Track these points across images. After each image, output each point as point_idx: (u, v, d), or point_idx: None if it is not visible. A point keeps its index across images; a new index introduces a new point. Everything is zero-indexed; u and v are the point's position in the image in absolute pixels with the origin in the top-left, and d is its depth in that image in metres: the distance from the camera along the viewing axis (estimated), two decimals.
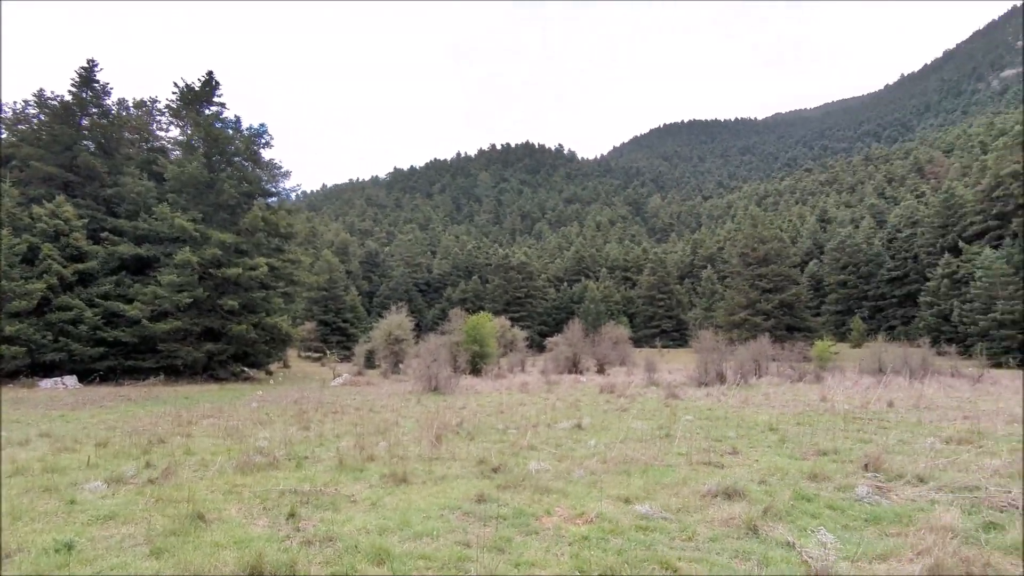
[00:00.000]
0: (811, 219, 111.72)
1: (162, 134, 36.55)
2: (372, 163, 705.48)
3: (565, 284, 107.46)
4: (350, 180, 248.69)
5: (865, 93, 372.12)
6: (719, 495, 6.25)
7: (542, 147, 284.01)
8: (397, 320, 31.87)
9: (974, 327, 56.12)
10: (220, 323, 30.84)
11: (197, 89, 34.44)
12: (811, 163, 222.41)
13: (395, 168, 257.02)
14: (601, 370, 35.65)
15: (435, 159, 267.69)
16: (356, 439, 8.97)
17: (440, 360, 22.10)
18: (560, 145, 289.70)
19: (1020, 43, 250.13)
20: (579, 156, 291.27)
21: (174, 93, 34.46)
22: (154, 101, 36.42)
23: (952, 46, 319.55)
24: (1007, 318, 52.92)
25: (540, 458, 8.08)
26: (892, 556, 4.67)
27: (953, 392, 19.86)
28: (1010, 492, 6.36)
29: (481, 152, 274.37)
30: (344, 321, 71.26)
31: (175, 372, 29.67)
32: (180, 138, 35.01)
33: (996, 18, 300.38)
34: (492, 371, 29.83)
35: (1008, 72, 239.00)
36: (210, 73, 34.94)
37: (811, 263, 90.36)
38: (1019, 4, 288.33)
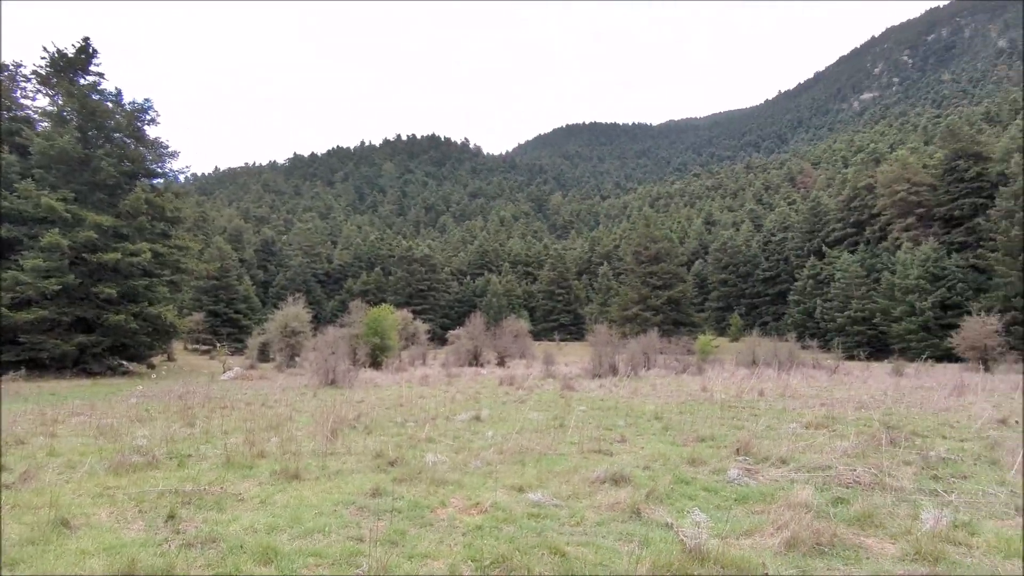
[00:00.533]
0: (698, 221, 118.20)
1: (28, 103, 32.87)
2: (270, 147, 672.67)
3: (468, 278, 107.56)
4: (246, 164, 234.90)
5: (748, 106, 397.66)
6: (607, 481, 6.53)
7: (448, 140, 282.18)
8: (294, 311, 30.65)
9: (833, 323, 61.60)
10: (95, 313, 28.35)
11: (71, 56, 31.33)
12: (699, 169, 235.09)
13: (295, 154, 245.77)
14: (502, 363, 36.07)
15: (338, 146, 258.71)
16: (246, 435, 8.57)
17: (339, 353, 21.54)
18: (466, 139, 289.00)
19: (877, 68, 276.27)
20: (485, 151, 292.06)
21: (43, 59, 31.17)
22: (18, 65, 32.70)
23: (822, 68, 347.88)
24: (859, 315, 58.47)
25: (438, 450, 8.09)
26: (756, 531, 5.07)
27: (814, 382, 21.73)
28: (855, 470, 7.07)
29: (386, 142, 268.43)
30: (236, 312, 67.64)
31: (39, 366, 26.95)
32: (49, 108, 31.70)
33: (858, 46, 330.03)
34: (393, 364, 29.42)
35: (866, 95, 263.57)
36: (86, 39, 31.88)
37: (697, 262, 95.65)
38: (876, 35, 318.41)
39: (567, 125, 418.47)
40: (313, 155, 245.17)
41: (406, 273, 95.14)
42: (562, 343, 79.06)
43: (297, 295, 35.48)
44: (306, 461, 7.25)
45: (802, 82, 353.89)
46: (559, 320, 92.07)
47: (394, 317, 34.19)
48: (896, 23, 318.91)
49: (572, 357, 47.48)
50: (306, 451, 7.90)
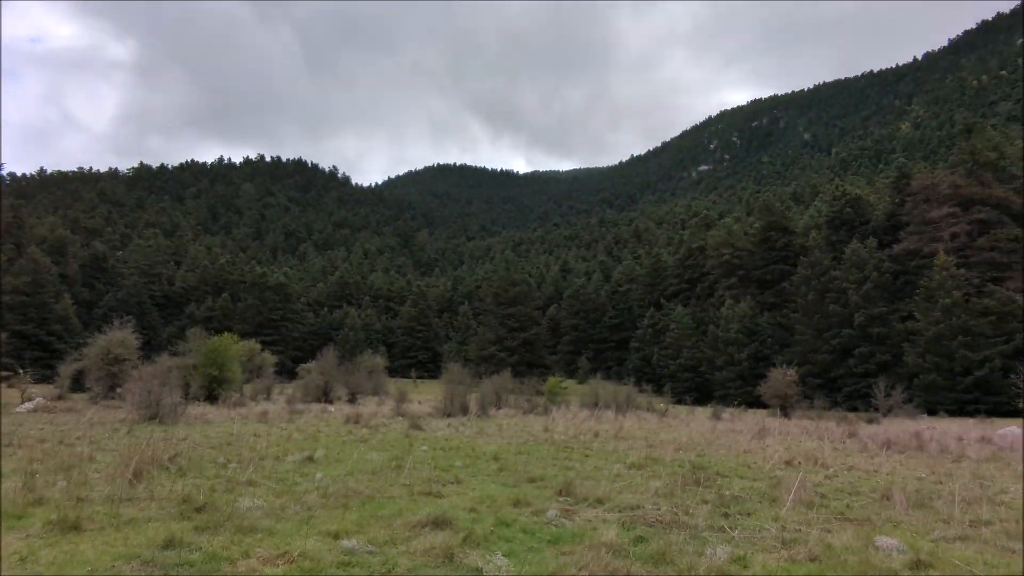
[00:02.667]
0: (555, 268, 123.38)
1: None
2: (114, 153, 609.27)
3: (326, 309, 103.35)
4: (80, 169, 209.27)
5: (605, 166, 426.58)
6: (428, 525, 6.43)
7: (316, 167, 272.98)
8: (120, 336, 27.49)
9: (666, 370, 66.37)
10: None
11: None
12: (559, 219, 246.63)
13: (141, 163, 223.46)
14: (352, 400, 34.76)
15: (192, 160, 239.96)
16: (25, 478, 7.46)
17: (170, 385, 19.59)
18: (335, 167, 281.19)
19: (713, 145, 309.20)
20: (354, 182, 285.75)
21: None
22: None
23: (668, 139, 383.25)
24: (689, 363, 63.58)
25: (256, 495, 7.55)
26: (559, 572, 5.23)
27: (645, 424, 23.16)
28: (660, 509, 7.57)
29: (248, 161, 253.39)
30: (49, 334, 59.45)
31: None
32: None
33: (699, 123, 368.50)
34: (231, 399, 27.26)
35: (703, 167, 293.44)
36: None
37: (552, 307, 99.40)
38: (712, 116, 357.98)
39: (439, 165, 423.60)
40: (163, 167, 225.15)
41: (257, 301, 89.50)
42: (419, 380, 77.97)
43: (127, 318, 31.95)
44: (95, 508, 6.41)
45: (651, 149, 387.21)
46: (417, 357, 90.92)
47: (238, 347, 31.88)
48: (728, 107, 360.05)
49: (427, 395, 46.88)
50: (99, 496, 7.00)
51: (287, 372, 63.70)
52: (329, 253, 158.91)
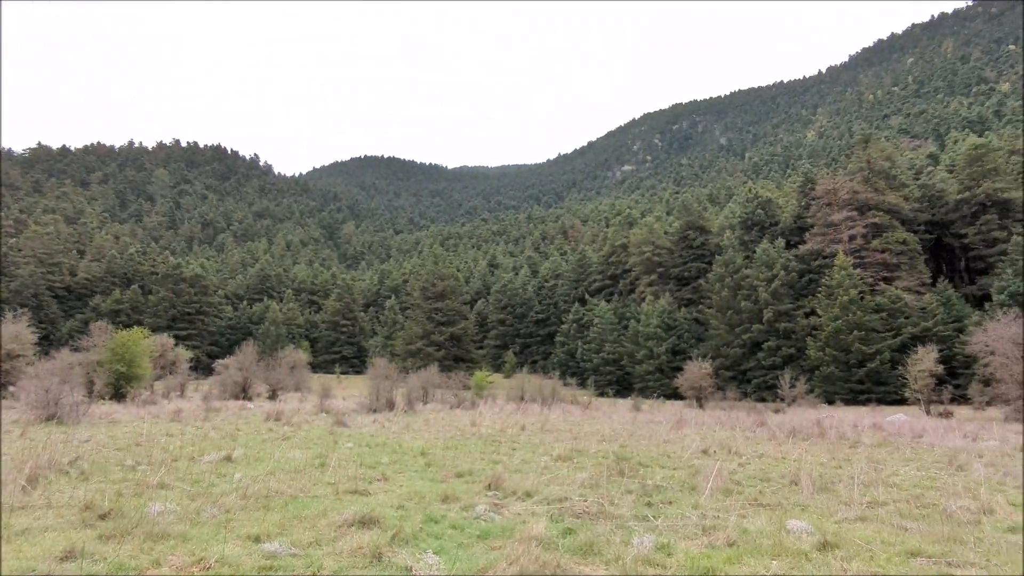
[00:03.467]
0: (483, 263, 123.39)
1: None
2: (8, 132, 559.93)
3: (245, 303, 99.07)
4: None
5: (533, 163, 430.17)
6: (355, 524, 6.24)
7: (236, 154, 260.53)
8: (13, 330, 25.26)
9: (590, 363, 67.76)
10: None
11: None
12: (488, 214, 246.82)
13: (40, 143, 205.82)
14: (273, 396, 33.48)
15: (98, 143, 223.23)
16: None
17: (72, 382, 18.17)
18: (256, 155, 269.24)
19: (636, 146, 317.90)
20: (276, 171, 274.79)
21: None
22: None
23: (594, 139, 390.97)
24: (611, 357, 65.17)
25: (169, 498, 7.09)
26: (490, 568, 5.18)
27: (570, 416, 23.54)
28: (587, 501, 7.68)
29: (161, 146, 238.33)
30: None
31: None
32: None
33: (623, 124, 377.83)
34: (141, 397, 25.63)
35: (626, 167, 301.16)
36: None
37: (480, 302, 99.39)
38: (636, 117, 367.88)
39: (365, 156, 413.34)
40: (65, 148, 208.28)
41: (171, 294, 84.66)
42: (343, 376, 76.11)
43: (21, 311, 29.35)
44: None
45: (578, 148, 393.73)
46: (342, 352, 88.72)
47: (148, 342, 29.99)
48: (652, 110, 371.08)
49: (351, 391, 45.82)
50: None
51: (203, 368, 60.67)
52: (249, 244, 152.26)
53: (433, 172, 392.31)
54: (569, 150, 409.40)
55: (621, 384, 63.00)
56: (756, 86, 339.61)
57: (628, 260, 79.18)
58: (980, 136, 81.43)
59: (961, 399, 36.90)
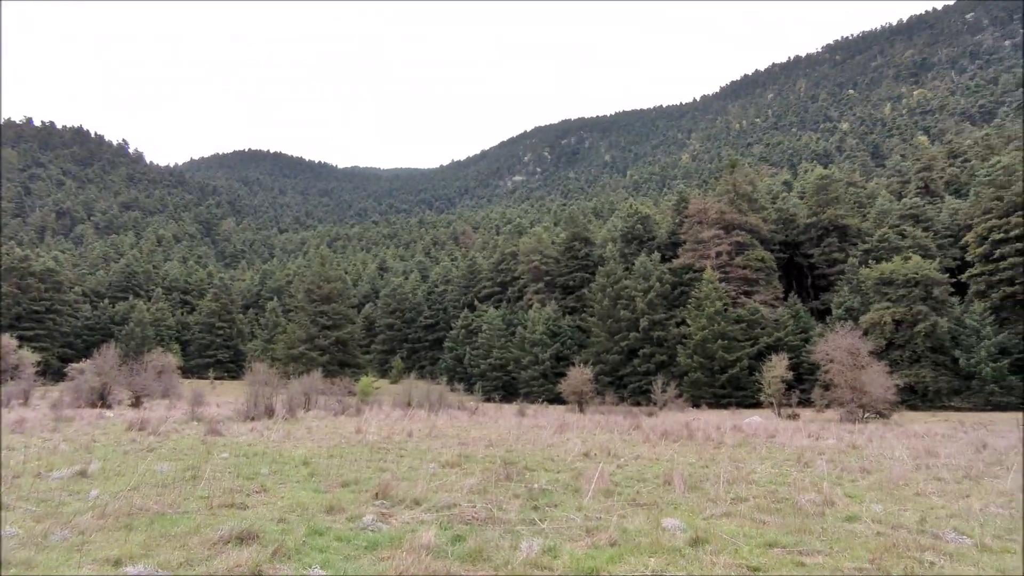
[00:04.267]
0: (372, 266, 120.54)
1: None
2: None
3: (107, 301, 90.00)
4: None
5: (426, 167, 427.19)
6: (231, 541, 5.84)
7: (100, 138, 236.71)
8: None
9: (477, 369, 68.12)
10: None
11: None
12: (379, 217, 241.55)
13: None
14: (137, 403, 30.58)
15: None
16: None
17: None
18: (125, 141, 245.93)
19: (527, 158, 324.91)
20: (148, 159, 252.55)
21: None
22: None
23: (487, 148, 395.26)
24: (498, 363, 65.90)
25: (10, 520, 6.26)
26: None
27: (457, 422, 23.47)
28: (475, 507, 7.68)
29: (10, 123, 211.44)
30: None
31: None
32: None
33: (515, 135, 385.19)
34: None
35: (517, 177, 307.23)
36: None
37: (367, 305, 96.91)
38: (528, 130, 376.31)
39: (250, 150, 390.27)
40: None
41: (16, 289, 75.16)
42: (217, 382, 71.23)
43: None
44: None
45: (472, 156, 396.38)
46: (217, 356, 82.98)
47: None
48: (543, 124, 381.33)
49: (227, 397, 42.95)
50: None
51: (54, 373, 54.45)
52: (114, 238, 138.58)
53: (322, 171, 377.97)
54: (463, 157, 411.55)
55: (507, 389, 63.85)
56: (639, 108, 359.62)
57: (517, 268, 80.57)
58: (825, 167, 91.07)
59: (806, 402, 40.87)
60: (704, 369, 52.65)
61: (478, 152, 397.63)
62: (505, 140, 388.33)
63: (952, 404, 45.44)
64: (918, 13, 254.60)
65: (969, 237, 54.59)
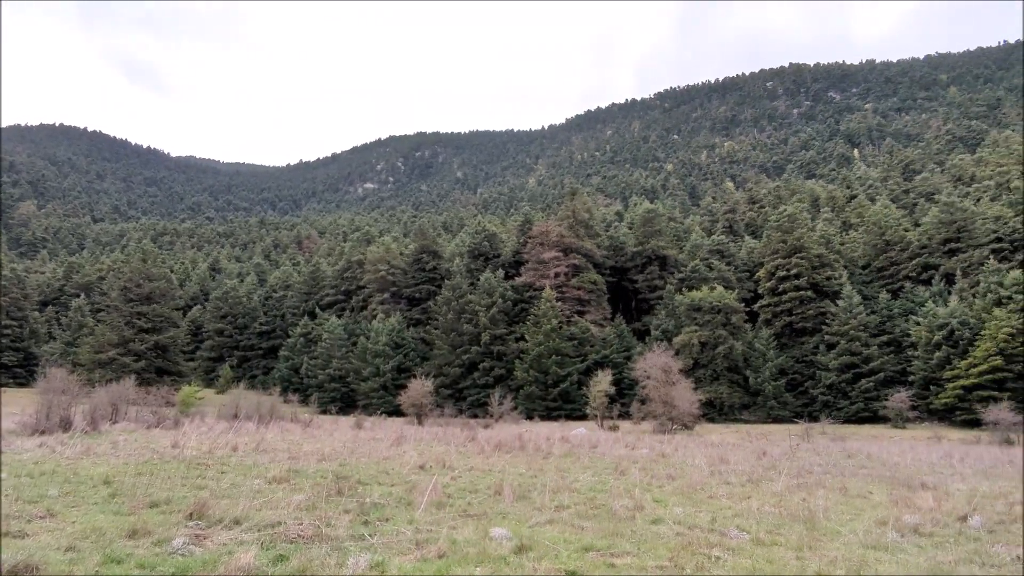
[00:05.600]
0: (203, 266, 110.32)
1: None
2: None
3: None
4: None
5: (271, 165, 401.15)
6: None
7: None
8: None
9: (314, 380, 65.01)
10: None
11: None
12: (214, 213, 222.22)
13: None
14: None
15: None
16: None
17: None
18: None
19: (380, 166, 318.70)
20: None
21: None
22: None
23: (339, 151, 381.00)
24: (337, 373, 63.49)
25: None
26: None
27: (289, 435, 22.13)
28: (302, 524, 7.30)
29: None
30: None
31: None
32: None
33: (369, 142, 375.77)
34: None
35: (369, 185, 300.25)
36: None
37: (195, 308, 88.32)
38: (383, 138, 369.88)
39: (61, 125, 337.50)
40: None
41: None
42: (2, 389, 60.30)
43: None
44: None
45: (322, 158, 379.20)
46: (1, 360, 70.41)
47: None
48: (398, 134, 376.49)
49: (13, 407, 36.53)
50: None
51: None
52: None
53: (151, 157, 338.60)
54: (312, 159, 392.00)
55: (345, 401, 61.53)
56: (492, 130, 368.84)
57: (363, 277, 78.35)
58: (651, 202, 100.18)
59: (626, 415, 44.28)
60: (538, 383, 54.91)
61: (329, 155, 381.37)
62: (358, 146, 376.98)
63: (742, 417, 51.85)
64: (731, 75, 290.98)
65: (761, 273, 63.08)
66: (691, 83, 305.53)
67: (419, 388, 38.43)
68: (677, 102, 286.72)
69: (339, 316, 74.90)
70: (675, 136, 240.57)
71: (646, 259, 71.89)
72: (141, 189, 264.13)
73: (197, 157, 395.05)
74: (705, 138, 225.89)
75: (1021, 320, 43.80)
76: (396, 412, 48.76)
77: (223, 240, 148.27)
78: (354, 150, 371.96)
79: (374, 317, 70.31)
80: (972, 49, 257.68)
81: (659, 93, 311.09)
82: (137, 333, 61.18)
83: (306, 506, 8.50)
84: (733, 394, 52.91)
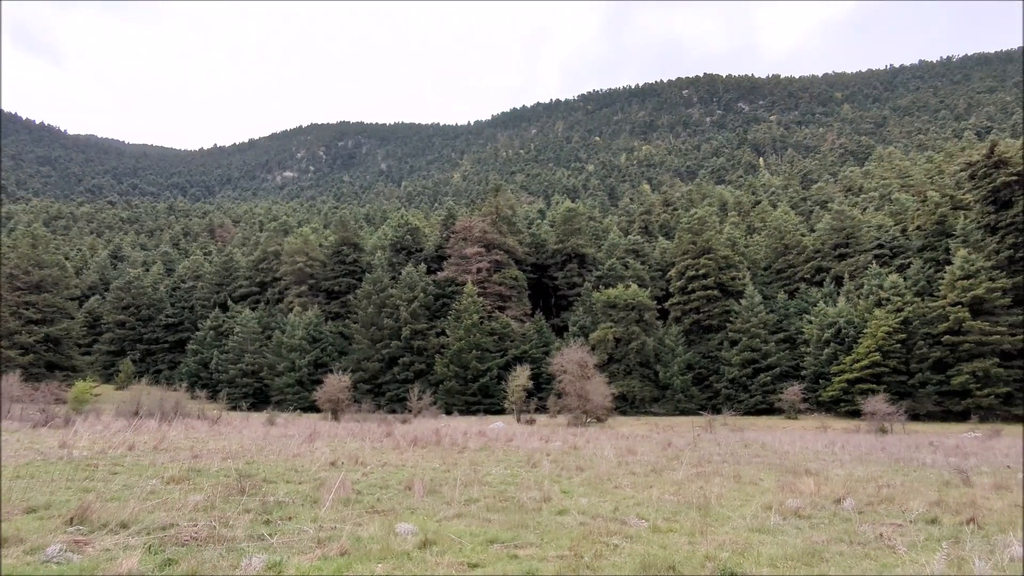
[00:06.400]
0: (104, 253, 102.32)
1: None
2: None
3: None
4: None
5: (183, 148, 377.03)
6: None
7: None
8: None
9: (225, 375, 62.02)
10: None
11: None
12: (117, 197, 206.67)
13: None
14: None
15: None
16: None
17: None
18: None
19: (300, 154, 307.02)
20: None
21: None
22: None
23: (257, 137, 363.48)
24: (250, 368, 60.88)
25: None
26: None
27: (194, 433, 20.99)
28: (197, 525, 6.95)
29: None
30: None
31: None
32: None
33: (289, 129, 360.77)
34: None
35: (288, 173, 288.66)
36: None
37: (93, 298, 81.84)
38: (304, 125, 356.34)
39: None
40: None
41: None
42: None
43: None
44: None
45: (238, 143, 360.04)
46: None
47: None
48: (320, 122, 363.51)
49: None
50: None
51: None
52: None
53: (44, 134, 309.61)
54: (228, 143, 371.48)
55: (258, 397, 59.03)
56: (418, 123, 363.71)
57: (280, 268, 75.31)
58: (573, 202, 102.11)
59: (543, 408, 45.03)
60: (459, 378, 54.85)
61: (246, 140, 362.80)
62: (278, 132, 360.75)
63: (652, 410, 54.00)
64: (651, 82, 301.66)
65: (672, 272, 65.80)
66: (613, 87, 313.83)
67: (336, 383, 37.42)
68: (599, 104, 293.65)
69: (253, 309, 71.67)
70: (597, 137, 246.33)
71: (566, 257, 73.28)
72: (33, 168, 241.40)
73: (99, 136, 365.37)
74: (625, 141, 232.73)
75: (897, 320, 48.07)
76: (312, 408, 47.28)
77: (126, 226, 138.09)
78: (273, 137, 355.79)
79: (290, 310, 67.78)
80: (863, 71, 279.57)
81: (583, 95, 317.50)
82: (24, 324, 56.03)
83: (204, 507, 8.10)
84: (644, 388, 54.97)
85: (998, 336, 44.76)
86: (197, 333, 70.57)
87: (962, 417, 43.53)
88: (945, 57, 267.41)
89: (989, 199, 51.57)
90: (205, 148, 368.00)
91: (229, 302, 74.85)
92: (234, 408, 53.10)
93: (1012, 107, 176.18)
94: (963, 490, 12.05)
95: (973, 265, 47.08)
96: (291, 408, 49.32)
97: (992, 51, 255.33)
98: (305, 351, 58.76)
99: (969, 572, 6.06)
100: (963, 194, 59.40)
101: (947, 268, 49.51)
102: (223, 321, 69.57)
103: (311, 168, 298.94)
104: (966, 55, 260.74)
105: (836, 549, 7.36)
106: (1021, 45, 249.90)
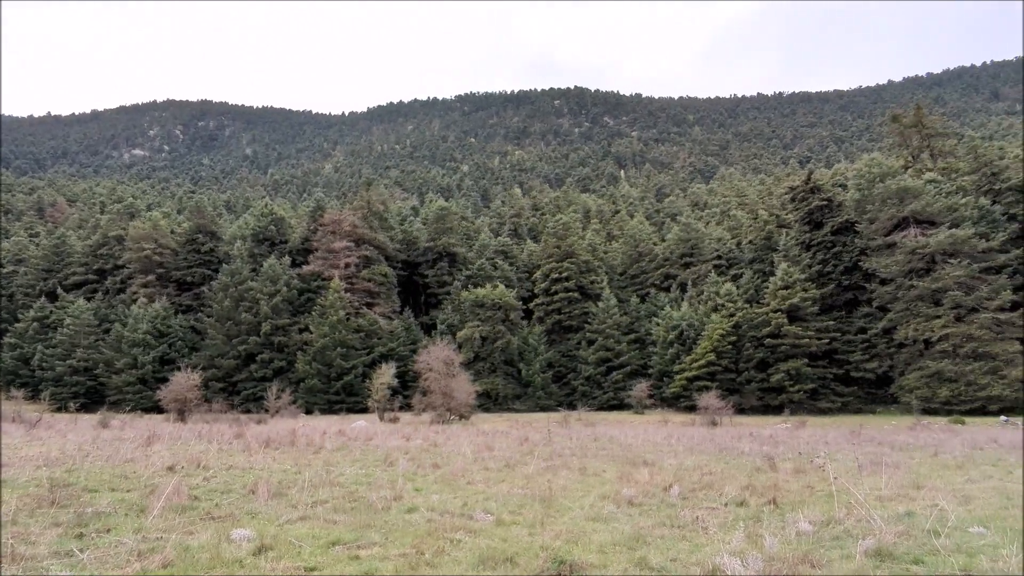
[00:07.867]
0: None
1: None
2: None
3: None
4: None
5: (9, 115, 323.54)
6: None
7: None
8: None
9: (51, 372, 54.76)
10: None
11: None
12: None
13: None
14: None
15: None
16: None
17: None
18: None
19: (153, 131, 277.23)
20: None
21: None
22: None
23: (101, 109, 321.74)
24: (82, 365, 54.25)
25: None
26: None
27: (7, 439, 18.31)
28: None
29: None
30: None
31: None
32: None
33: (141, 103, 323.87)
34: None
35: (138, 151, 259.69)
36: None
37: None
38: (159, 100, 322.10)
39: None
40: None
41: None
42: None
43: None
44: None
45: (79, 114, 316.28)
46: None
47: None
48: (178, 98, 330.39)
49: None
50: None
51: None
52: None
53: None
54: (67, 112, 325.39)
55: (90, 396, 52.61)
56: (288, 108, 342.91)
57: (123, 255, 67.56)
58: (446, 201, 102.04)
59: (407, 407, 44.55)
60: (321, 376, 52.74)
61: (88, 111, 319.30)
62: (128, 105, 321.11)
63: (514, 407, 55.53)
64: (525, 89, 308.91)
65: (537, 274, 68.12)
66: (490, 91, 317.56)
67: (184, 381, 34.32)
68: (476, 107, 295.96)
69: (89, 299, 63.67)
70: (472, 139, 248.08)
71: (437, 255, 73.12)
72: None
73: None
74: (499, 144, 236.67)
75: (730, 324, 53.55)
76: (156, 409, 43.00)
77: None
78: (122, 109, 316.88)
79: (134, 301, 61.08)
80: (712, 97, 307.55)
81: (460, 96, 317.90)
82: None
83: (5, 522, 7.17)
84: (507, 385, 56.40)
85: (808, 339, 51.36)
86: (17, 325, 61.33)
87: (778, 411, 49.35)
88: (777, 92, 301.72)
89: (805, 220, 59.00)
90: (37, 116, 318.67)
91: (59, 291, 65.87)
92: (60, 409, 46.90)
93: (827, 141, 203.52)
94: (769, 475, 13.63)
95: (791, 277, 53.62)
96: (130, 409, 44.46)
97: (814, 91, 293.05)
98: (150, 346, 53.30)
99: (760, 546, 6.96)
100: (786, 214, 67.41)
101: (771, 279, 55.89)
102: (50, 312, 61.09)
103: (165, 147, 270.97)
104: (793, 92, 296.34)
105: (659, 533, 8.06)
106: (835, 88, 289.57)
